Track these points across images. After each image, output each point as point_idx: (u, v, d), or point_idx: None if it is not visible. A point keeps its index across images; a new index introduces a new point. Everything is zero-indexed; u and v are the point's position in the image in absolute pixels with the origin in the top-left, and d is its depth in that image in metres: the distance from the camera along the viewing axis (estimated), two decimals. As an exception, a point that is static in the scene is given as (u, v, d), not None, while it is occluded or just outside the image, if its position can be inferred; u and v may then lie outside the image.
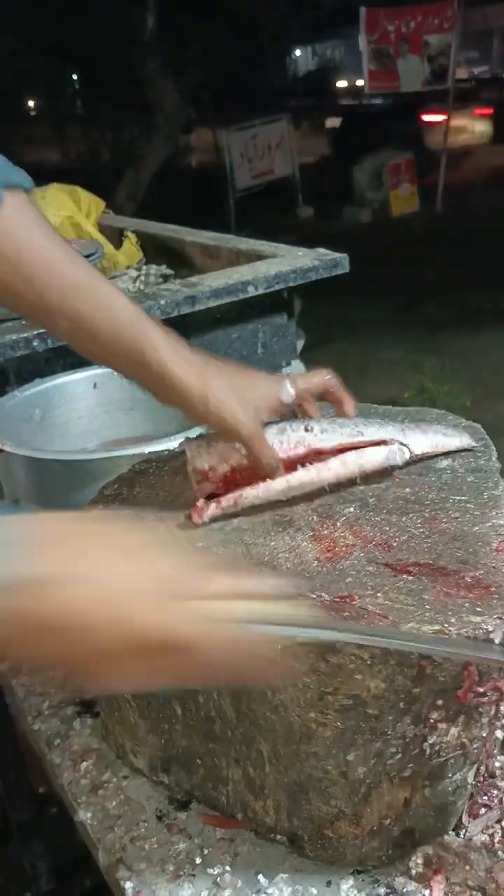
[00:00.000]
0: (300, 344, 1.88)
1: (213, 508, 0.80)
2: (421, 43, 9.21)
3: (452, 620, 0.62)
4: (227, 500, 0.80)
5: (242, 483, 0.81)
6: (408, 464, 0.85)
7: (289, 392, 0.81)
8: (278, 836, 0.73)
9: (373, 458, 0.82)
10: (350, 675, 0.61)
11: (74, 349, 0.84)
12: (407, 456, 0.83)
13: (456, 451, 0.87)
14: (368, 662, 0.61)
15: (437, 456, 0.87)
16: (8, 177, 0.79)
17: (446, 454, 0.87)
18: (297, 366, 1.87)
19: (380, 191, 9.89)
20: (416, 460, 0.85)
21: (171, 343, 0.78)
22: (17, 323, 1.53)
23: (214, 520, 0.80)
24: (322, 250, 1.79)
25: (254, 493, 0.80)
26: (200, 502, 0.80)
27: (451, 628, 0.61)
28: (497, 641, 0.62)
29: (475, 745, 0.70)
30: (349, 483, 0.83)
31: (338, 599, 0.66)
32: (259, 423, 0.78)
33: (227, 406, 0.76)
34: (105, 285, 0.81)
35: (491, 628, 0.62)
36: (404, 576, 0.68)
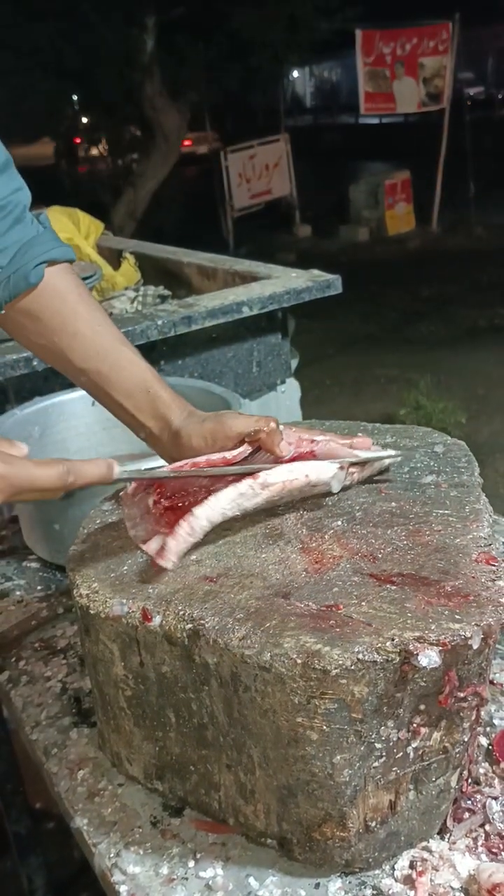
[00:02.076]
0: (294, 363, 1.92)
1: (172, 546, 0.76)
2: (416, 65, 9.35)
3: (433, 627, 0.65)
4: (183, 529, 0.77)
5: (179, 500, 0.82)
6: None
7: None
8: (268, 840, 0.75)
9: (319, 469, 0.85)
10: (335, 680, 0.64)
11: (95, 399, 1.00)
12: (343, 474, 0.87)
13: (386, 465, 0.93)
14: (352, 668, 0.64)
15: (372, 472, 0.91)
16: (49, 253, 0.94)
17: (430, 472, 0.90)
18: (291, 384, 1.90)
19: (376, 209, 10.00)
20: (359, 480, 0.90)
21: (177, 400, 0.96)
22: (16, 343, 1.57)
23: (186, 554, 0.79)
24: (316, 272, 1.83)
25: (205, 510, 0.78)
26: (156, 546, 0.77)
27: (430, 635, 0.64)
28: (475, 647, 0.65)
29: (457, 750, 0.72)
30: (301, 493, 0.85)
31: (324, 608, 0.69)
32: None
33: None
34: (125, 350, 0.97)
35: (469, 634, 0.65)
36: (388, 585, 0.71)
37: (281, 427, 0.88)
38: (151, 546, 0.81)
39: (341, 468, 0.86)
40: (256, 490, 0.81)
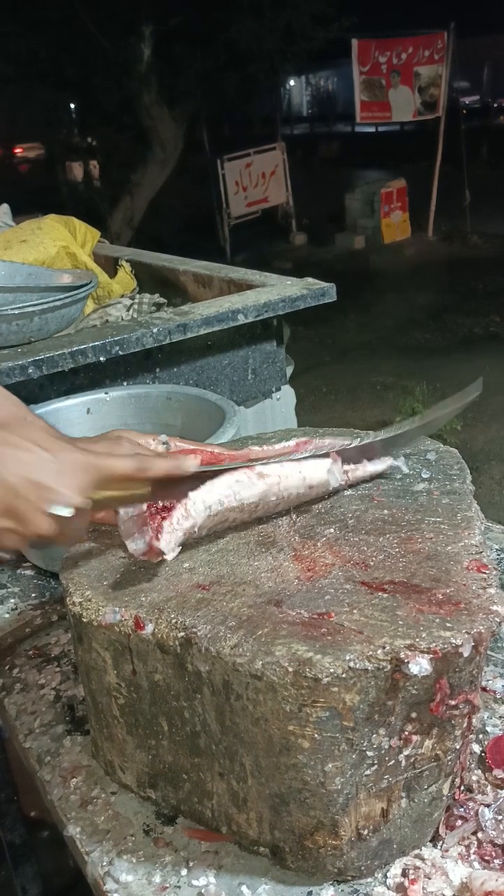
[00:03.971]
0: (289, 370, 1.92)
1: (167, 527, 0.77)
2: (412, 74, 9.40)
3: (423, 635, 0.65)
4: (178, 511, 0.77)
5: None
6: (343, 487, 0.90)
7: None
8: (261, 849, 0.75)
9: (313, 466, 0.85)
10: (326, 688, 0.64)
11: None
12: (338, 467, 0.87)
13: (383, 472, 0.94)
14: (343, 676, 0.64)
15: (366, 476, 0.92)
16: None
17: (422, 479, 0.91)
18: (286, 391, 1.91)
19: (372, 218, 10.05)
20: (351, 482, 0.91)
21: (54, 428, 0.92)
22: (12, 350, 1.57)
23: (182, 544, 0.78)
24: (310, 280, 1.84)
25: (200, 494, 0.78)
26: (150, 536, 0.77)
27: (421, 643, 0.65)
28: (466, 655, 0.66)
29: (449, 758, 0.72)
30: (299, 497, 0.86)
31: (316, 616, 0.70)
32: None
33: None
34: None
35: (460, 642, 0.65)
36: (380, 593, 0.72)
37: (162, 440, 0.90)
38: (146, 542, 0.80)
39: (334, 461, 0.87)
40: (252, 479, 0.81)
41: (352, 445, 0.91)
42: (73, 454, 0.74)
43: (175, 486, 0.80)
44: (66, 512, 0.72)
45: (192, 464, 0.80)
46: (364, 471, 0.91)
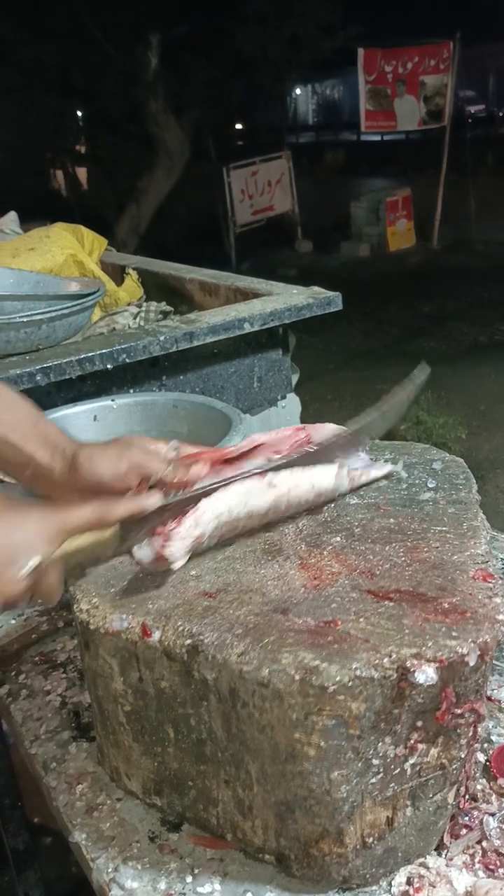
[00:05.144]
0: (295, 378, 1.93)
1: (177, 540, 0.76)
2: (417, 83, 9.43)
3: (429, 644, 0.66)
4: (188, 521, 0.77)
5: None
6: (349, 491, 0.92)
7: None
8: (266, 856, 0.76)
9: (322, 474, 0.87)
10: (332, 696, 0.65)
11: None
12: (345, 472, 0.89)
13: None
14: (350, 684, 0.64)
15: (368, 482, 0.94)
16: None
17: (428, 488, 0.91)
18: (291, 399, 1.91)
19: (377, 226, 10.07)
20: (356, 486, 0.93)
21: (65, 434, 0.94)
22: (20, 358, 1.58)
23: (191, 552, 0.78)
24: (316, 288, 1.85)
25: (210, 503, 0.78)
26: (158, 545, 0.77)
27: (427, 651, 0.65)
28: (471, 664, 0.66)
29: (454, 766, 0.73)
30: (307, 504, 0.86)
31: (322, 624, 0.70)
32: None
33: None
34: (8, 391, 0.96)
35: (465, 651, 0.65)
36: (386, 602, 0.72)
37: (174, 446, 0.91)
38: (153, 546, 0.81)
39: (341, 466, 0.88)
40: (263, 489, 0.81)
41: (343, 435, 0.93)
42: (33, 511, 0.76)
43: (145, 521, 0.80)
44: (33, 561, 0.72)
45: (153, 501, 0.80)
46: (367, 476, 0.93)
